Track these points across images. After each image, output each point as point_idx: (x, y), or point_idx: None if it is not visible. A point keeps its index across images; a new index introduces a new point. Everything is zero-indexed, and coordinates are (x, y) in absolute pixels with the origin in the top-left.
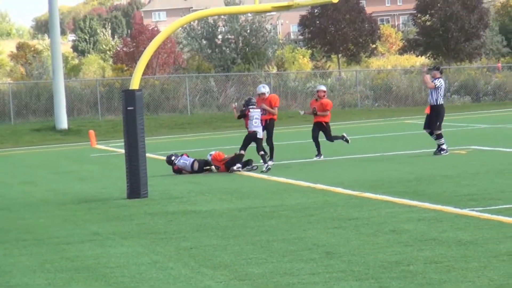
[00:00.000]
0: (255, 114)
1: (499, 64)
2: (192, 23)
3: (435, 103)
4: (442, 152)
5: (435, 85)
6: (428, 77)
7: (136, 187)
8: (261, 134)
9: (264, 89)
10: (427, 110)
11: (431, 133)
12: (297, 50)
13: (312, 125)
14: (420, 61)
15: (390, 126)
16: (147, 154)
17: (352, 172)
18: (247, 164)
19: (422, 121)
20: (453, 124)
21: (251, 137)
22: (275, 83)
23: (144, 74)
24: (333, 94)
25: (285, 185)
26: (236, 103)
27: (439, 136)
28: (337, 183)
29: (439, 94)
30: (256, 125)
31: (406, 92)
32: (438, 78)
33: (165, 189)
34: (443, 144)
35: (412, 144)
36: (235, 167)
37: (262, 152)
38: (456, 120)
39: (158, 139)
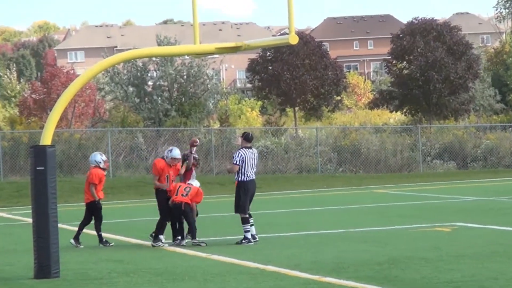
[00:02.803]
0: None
1: None
2: (116, 66)
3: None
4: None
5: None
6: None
7: (45, 265)
8: None
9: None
10: None
11: None
12: (245, 101)
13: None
14: (395, 117)
15: (357, 196)
16: (60, 225)
17: (310, 251)
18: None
19: (396, 191)
20: (435, 195)
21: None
22: (217, 141)
23: (57, 126)
24: (288, 156)
25: (228, 266)
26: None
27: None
28: (292, 265)
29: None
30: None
31: (378, 155)
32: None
33: (81, 268)
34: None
35: (384, 219)
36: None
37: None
38: (439, 190)
39: (73, 207)
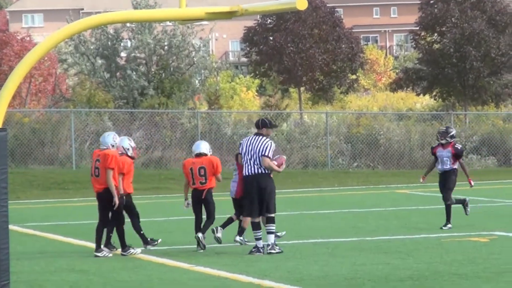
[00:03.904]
0: None
1: None
2: (83, 33)
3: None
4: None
5: None
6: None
7: None
8: None
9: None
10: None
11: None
12: (239, 78)
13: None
14: (422, 101)
15: (375, 197)
16: (11, 226)
17: (317, 264)
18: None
19: (423, 191)
20: (470, 197)
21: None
22: (204, 127)
23: (8, 106)
24: (291, 146)
25: (216, 280)
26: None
27: None
28: (294, 279)
29: None
30: None
31: (400, 148)
32: None
33: (36, 279)
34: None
35: (407, 226)
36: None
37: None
38: (475, 192)
39: (26, 204)
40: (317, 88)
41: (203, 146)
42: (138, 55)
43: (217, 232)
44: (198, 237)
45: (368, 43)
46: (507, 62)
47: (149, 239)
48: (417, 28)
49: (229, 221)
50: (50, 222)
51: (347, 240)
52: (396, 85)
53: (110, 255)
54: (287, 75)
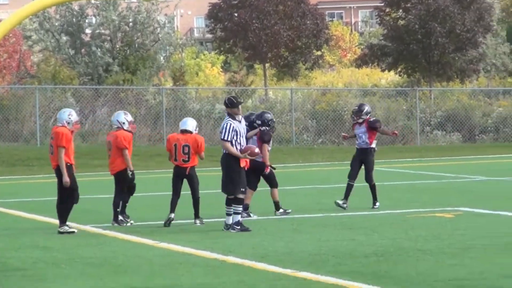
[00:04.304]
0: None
1: None
2: (47, 9)
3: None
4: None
5: None
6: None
7: None
8: None
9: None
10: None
11: None
12: (204, 55)
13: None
14: (387, 78)
15: (340, 173)
16: None
17: (282, 240)
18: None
19: (388, 167)
20: (435, 173)
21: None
22: (169, 104)
23: None
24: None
25: (181, 256)
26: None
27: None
28: (259, 256)
29: None
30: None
31: None
32: None
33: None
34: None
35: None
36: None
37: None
38: (440, 168)
39: None
40: (282, 64)
41: (190, 123)
42: (102, 31)
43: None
44: (171, 219)
45: (333, 19)
46: (472, 38)
47: (119, 219)
48: (382, 4)
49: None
50: (14, 199)
51: (312, 216)
52: (361, 61)
53: (74, 231)
54: (252, 52)
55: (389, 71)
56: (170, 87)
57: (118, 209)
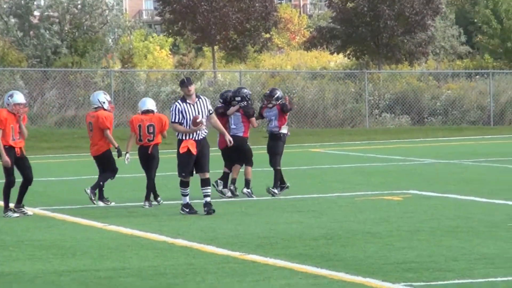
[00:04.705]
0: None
1: None
2: None
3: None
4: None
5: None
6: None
7: None
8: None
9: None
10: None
11: None
12: (152, 37)
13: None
14: (336, 60)
15: (288, 156)
16: None
17: (230, 223)
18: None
19: (337, 150)
20: (384, 156)
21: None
22: (118, 86)
23: None
24: None
25: (129, 239)
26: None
27: None
28: (208, 238)
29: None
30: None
31: (314, 107)
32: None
33: None
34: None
35: (321, 185)
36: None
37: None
38: (388, 150)
39: None
40: (230, 47)
41: (150, 103)
42: (51, 14)
43: (218, 186)
44: (159, 201)
45: (282, 1)
46: (420, 21)
47: (104, 198)
48: None
49: (225, 174)
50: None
51: (261, 199)
52: (310, 44)
53: (17, 215)
54: (200, 34)
55: (338, 53)
56: (118, 70)
57: (103, 188)
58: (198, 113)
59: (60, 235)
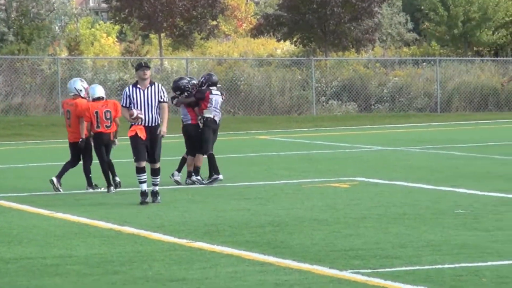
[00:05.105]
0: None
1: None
2: None
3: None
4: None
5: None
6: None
7: None
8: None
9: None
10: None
11: None
12: (99, 25)
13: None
14: (282, 47)
15: (235, 143)
16: None
17: (177, 210)
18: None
19: (284, 137)
20: (331, 143)
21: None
22: (65, 74)
23: None
24: None
25: (76, 227)
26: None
27: None
28: (155, 226)
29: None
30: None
31: (261, 94)
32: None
33: None
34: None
35: (267, 172)
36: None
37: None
38: (335, 137)
39: None
40: (177, 34)
41: (101, 90)
42: None
43: (174, 176)
44: (117, 183)
45: None
46: (367, 8)
47: (93, 184)
48: None
49: (183, 161)
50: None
51: (208, 186)
52: (256, 31)
53: None
54: (147, 21)
55: (284, 41)
56: (65, 57)
57: (90, 175)
58: (147, 99)
59: (6, 223)
